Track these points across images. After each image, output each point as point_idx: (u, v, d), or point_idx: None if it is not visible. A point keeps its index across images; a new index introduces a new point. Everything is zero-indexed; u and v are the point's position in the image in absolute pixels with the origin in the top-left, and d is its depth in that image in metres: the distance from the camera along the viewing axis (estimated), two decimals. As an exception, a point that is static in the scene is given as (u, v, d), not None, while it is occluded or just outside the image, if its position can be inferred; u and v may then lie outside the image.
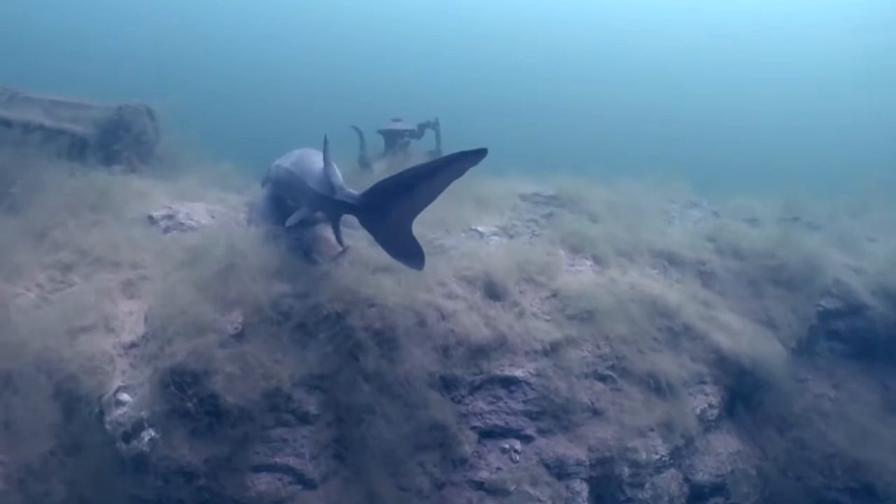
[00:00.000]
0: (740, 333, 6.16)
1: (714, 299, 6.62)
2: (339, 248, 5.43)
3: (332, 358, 4.83)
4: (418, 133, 8.85)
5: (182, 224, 6.11)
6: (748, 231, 8.18)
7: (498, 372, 5.10)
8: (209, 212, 6.50)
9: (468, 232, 7.06)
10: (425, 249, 4.80)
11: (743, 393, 6.11)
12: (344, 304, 4.96)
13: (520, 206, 8.13)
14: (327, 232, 5.86)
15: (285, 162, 5.96)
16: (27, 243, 5.33)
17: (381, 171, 8.33)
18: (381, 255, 5.12)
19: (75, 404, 4.34)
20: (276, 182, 6.22)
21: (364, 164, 8.72)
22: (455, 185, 7.27)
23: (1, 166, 5.84)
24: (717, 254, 7.41)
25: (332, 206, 5.00)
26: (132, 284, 5.18)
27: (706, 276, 6.97)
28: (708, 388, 5.78)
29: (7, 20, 32.94)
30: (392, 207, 4.46)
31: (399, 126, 8.69)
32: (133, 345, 4.70)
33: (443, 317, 5.19)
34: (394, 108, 9.03)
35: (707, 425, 5.67)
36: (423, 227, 5.77)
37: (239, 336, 4.79)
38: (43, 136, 6.36)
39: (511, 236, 7.21)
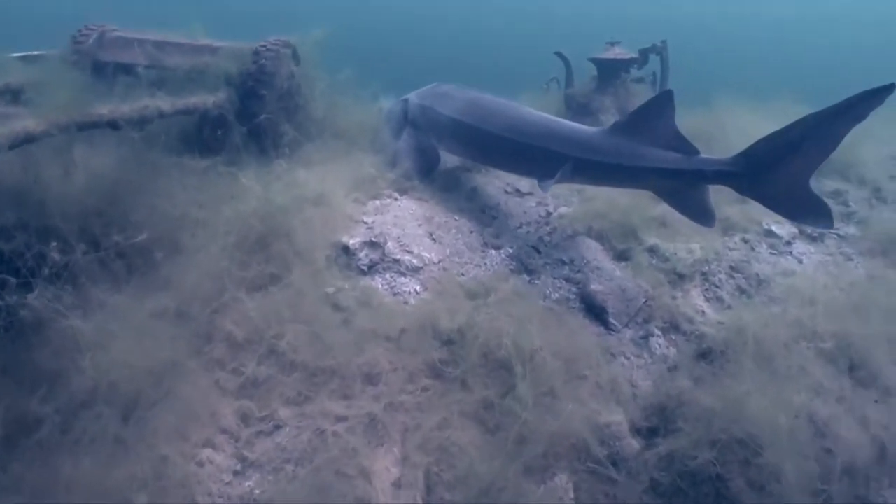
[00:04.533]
0: None
1: None
2: (637, 299, 3.98)
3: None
4: (641, 61, 6.29)
5: (397, 261, 3.93)
6: None
7: (878, 501, 3.45)
8: (423, 226, 4.28)
9: (766, 238, 4.90)
10: (738, 280, 4.35)
11: None
12: (717, 449, 3.16)
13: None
14: (601, 260, 4.34)
15: (444, 107, 4.83)
16: (187, 346, 3.22)
17: (602, 109, 5.97)
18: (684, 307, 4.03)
19: None
20: (433, 128, 4.99)
21: (573, 101, 6.28)
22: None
23: (114, 194, 3.57)
24: None
25: (691, 177, 3.84)
26: (377, 422, 3.11)
27: None
28: None
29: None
30: (781, 167, 3.59)
31: (617, 53, 6.12)
32: (422, 563, 2.75)
33: (818, 430, 3.44)
34: (606, 30, 6.42)
35: None
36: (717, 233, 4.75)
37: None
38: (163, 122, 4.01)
39: (813, 239, 5.14)
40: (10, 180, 3.23)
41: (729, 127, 6.37)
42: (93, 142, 3.75)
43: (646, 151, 3.88)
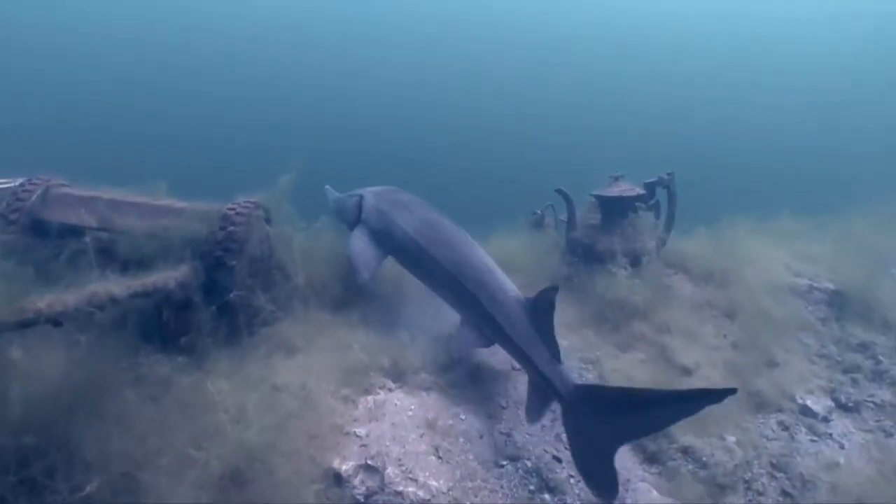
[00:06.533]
0: None
1: None
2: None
3: None
4: (647, 196, 5.75)
5: (400, 493, 3.28)
6: None
7: None
8: (426, 435, 3.65)
9: (803, 416, 4.54)
10: (781, 482, 3.83)
11: None
12: None
13: (814, 325, 5.62)
14: (631, 469, 3.86)
15: (401, 219, 4.71)
16: None
17: (610, 254, 5.45)
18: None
19: None
20: (385, 235, 4.76)
21: (577, 244, 5.71)
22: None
23: (58, 428, 2.88)
24: None
25: (539, 377, 3.71)
26: None
27: None
28: None
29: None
30: (607, 419, 3.28)
31: (623, 190, 5.60)
32: None
33: None
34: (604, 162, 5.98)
35: None
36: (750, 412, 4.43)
37: None
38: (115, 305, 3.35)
39: (849, 409, 4.75)
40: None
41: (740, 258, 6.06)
42: (28, 345, 3.07)
43: (529, 334, 3.83)
